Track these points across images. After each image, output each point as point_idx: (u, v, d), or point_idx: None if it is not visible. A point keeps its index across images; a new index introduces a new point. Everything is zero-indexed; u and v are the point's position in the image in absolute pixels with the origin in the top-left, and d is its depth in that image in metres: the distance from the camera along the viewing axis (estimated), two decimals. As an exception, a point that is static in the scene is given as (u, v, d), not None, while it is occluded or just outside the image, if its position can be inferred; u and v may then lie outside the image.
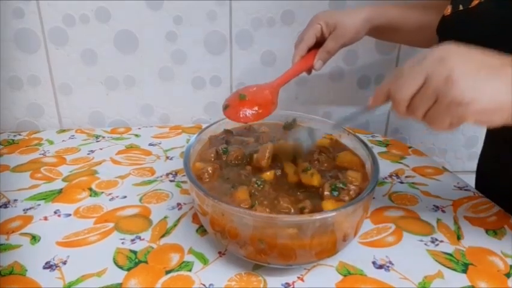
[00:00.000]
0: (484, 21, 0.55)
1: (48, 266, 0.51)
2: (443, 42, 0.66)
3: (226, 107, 0.59)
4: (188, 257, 0.53)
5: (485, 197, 0.68)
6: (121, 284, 0.49)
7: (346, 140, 0.64)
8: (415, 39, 0.72)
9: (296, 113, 0.69)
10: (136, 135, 0.91)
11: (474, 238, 0.57)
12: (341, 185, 0.51)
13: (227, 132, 0.65)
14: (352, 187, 0.51)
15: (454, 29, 0.60)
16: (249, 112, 0.57)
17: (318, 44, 0.67)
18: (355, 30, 0.66)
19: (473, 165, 0.76)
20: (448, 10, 0.60)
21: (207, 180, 0.54)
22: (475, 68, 0.41)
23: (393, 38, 0.75)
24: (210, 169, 0.55)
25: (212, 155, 0.59)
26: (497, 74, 0.41)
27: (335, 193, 0.51)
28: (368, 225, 0.60)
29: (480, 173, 0.76)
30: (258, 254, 0.48)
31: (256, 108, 0.57)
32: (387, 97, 0.46)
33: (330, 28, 0.66)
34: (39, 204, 0.64)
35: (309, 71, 0.69)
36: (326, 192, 0.51)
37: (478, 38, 0.56)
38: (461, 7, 0.58)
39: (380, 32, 0.70)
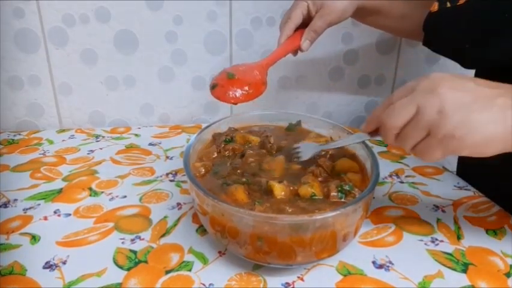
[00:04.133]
0: (471, 19, 0.55)
1: (48, 265, 0.51)
2: (429, 38, 0.66)
3: (214, 86, 0.55)
4: (188, 257, 0.53)
5: (468, 182, 0.70)
6: (120, 283, 0.49)
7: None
8: (397, 27, 0.72)
9: (297, 113, 0.69)
10: (136, 135, 0.91)
11: (474, 238, 0.57)
12: (347, 187, 0.50)
13: (232, 130, 0.65)
14: (357, 191, 0.51)
15: (441, 26, 0.59)
16: (239, 92, 0.54)
17: (303, 24, 0.65)
18: (342, 8, 0.64)
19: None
20: (435, 7, 0.59)
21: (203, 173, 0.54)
22: (467, 100, 0.40)
23: (376, 23, 0.73)
24: (202, 169, 0.55)
25: (215, 154, 0.59)
26: (489, 105, 0.40)
27: (341, 195, 0.50)
28: (368, 225, 0.60)
29: (462, 159, 0.77)
30: (258, 254, 0.48)
31: (246, 87, 0.54)
32: (378, 124, 0.46)
33: (316, 6, 0.64)
34: (39, 204, 0.64)
35: (295, 52, 0.67)
36: (333, 193, 0.50)
37: (465, 36, 0.56)
38: (448, 4, 0.57)
39: (364, 14, 0.69)
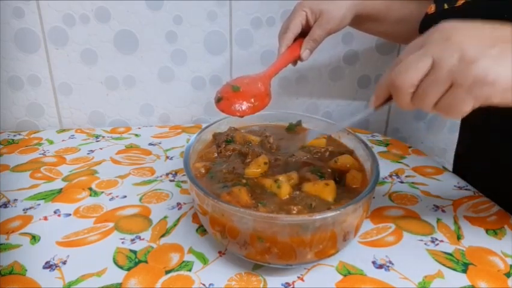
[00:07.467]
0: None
1: (48, 265, 0.51)
2: None
3: (219, 100, 0.55)
4: (188, 257, 0.53)
5: (468, 182, 0.71)
6: (120, 283, 0.49)
7: (346, 140, 0.64)
8: (393, 32, 0.71)
9: (297, 113, 0.69)
10: (136, 135, 0.91)
11: (474, 238, 0.57)
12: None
13: (232, 129, 0.65)
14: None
15: None
16: (245, 105, 0.54)
17: (302, 33, 0.65)
18: (341, 16, 0.64)
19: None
20: (432, 8, 0.59)
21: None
22: (488, 43, 0.36)
23: (373, 29, 0.72)
24: (202, 169, 0.55)
25: (215, 154, 0.59)
26: (510, 48, 0.37)
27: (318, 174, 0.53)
28: (368, 225, 0.60)
29: (458, 155, 0.77)
30: (258, 254, 0.48)
31: (252, 100, 0.54)
32: (388, 92, 0.42)
33: (315, 15, 0.63)
34: (39, 204, 0.64)
35: (294, 62, 0.66)
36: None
37: None
38: (446, 6, 0.57)
39: (362, 21, 0.68)
